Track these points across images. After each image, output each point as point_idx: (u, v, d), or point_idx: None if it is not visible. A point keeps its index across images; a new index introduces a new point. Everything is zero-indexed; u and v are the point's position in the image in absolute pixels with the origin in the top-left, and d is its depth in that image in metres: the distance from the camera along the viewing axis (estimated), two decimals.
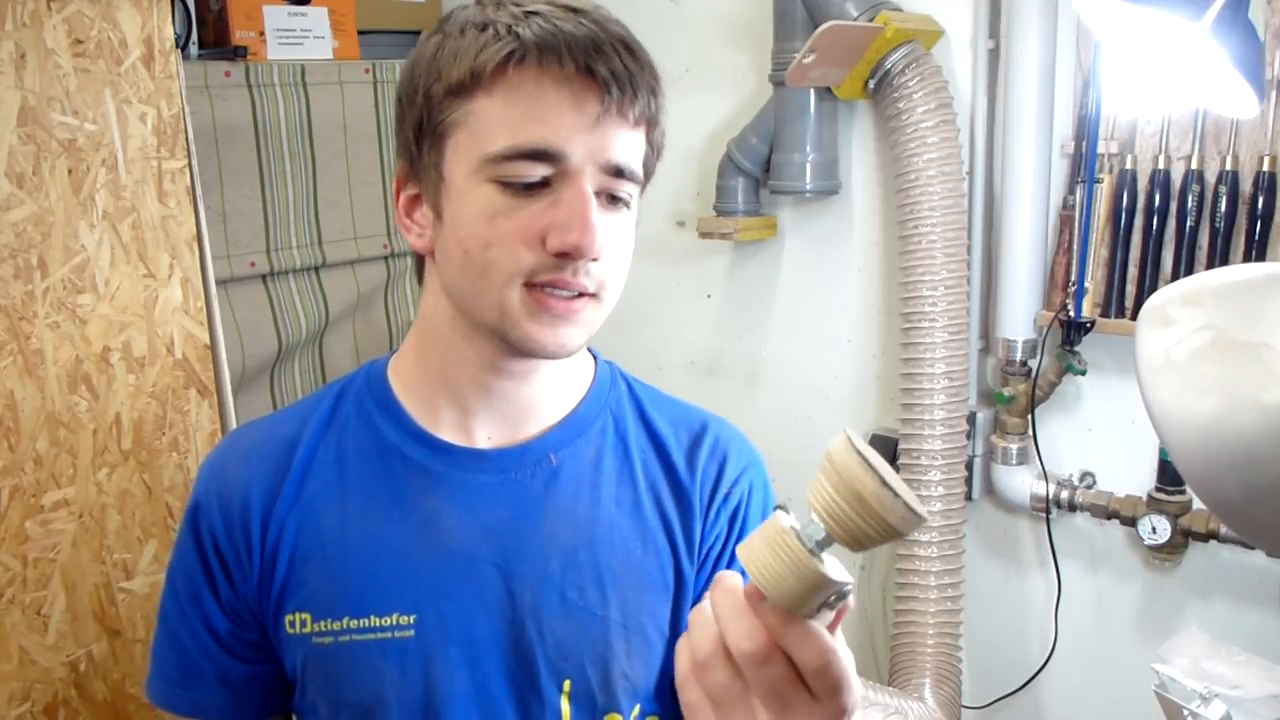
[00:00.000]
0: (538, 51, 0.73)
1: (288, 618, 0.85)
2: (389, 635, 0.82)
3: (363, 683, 0.83)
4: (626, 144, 0.79)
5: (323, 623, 0.83)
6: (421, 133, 0.78)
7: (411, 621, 0.83)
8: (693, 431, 0.97)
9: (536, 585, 0.85)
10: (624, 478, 0.91)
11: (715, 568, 0.93)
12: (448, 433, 0.86)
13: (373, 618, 0.83)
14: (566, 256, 0.75)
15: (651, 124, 0.83)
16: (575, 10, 0.77)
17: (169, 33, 1.64)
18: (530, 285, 0.77)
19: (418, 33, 2.84)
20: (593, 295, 0.80)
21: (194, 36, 2.06)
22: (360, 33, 2.41)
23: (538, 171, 0.74)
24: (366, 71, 2.25)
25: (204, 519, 0.86)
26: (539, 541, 0.85)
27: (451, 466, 0.85)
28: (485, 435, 0.87)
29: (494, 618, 0.84)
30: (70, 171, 1.53)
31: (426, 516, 0.84)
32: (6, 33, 1.44)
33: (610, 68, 0.75)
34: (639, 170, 0.81)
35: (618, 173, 0.79)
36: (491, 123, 0.74)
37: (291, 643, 0.85)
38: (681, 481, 0.93)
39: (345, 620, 0.83)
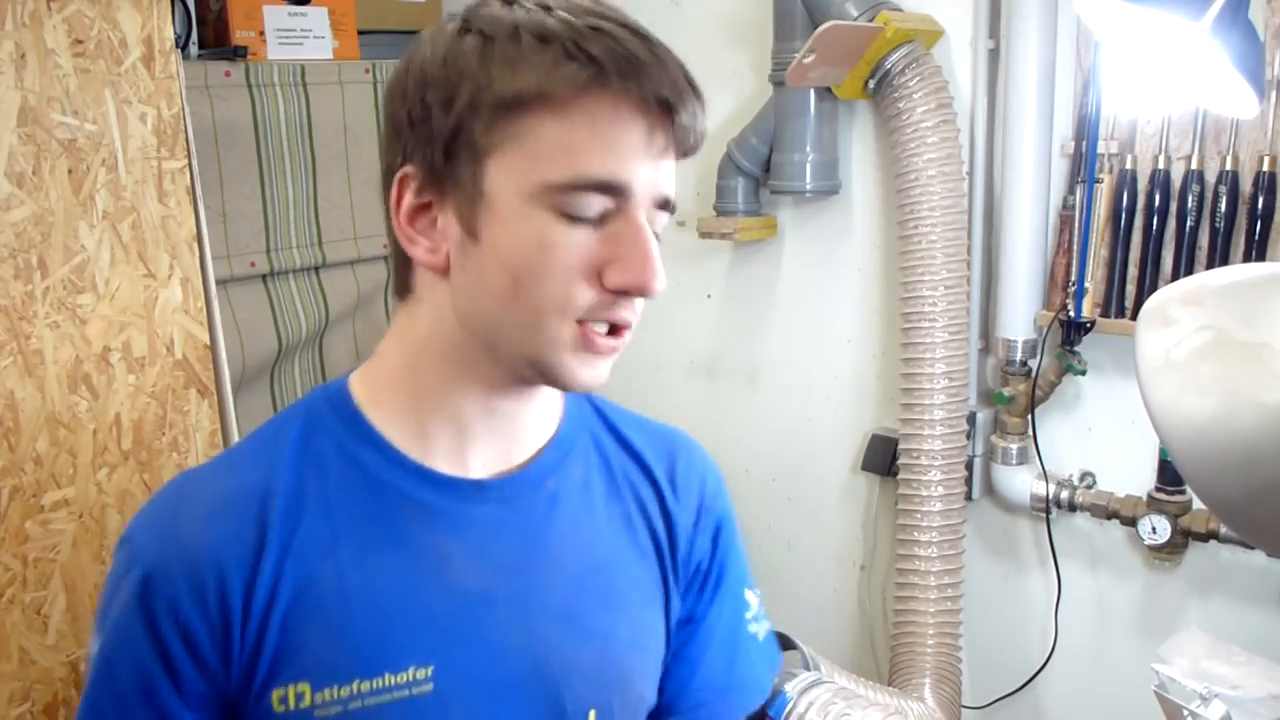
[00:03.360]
0: (619, 79, 0.68)
1: (276, 694, 0.73)
2: (406, 694, 0.74)
3: None
4: (672, 175, 0.76)
5: (327, 691, 0.73)
6: (456, 143, 0.70)
7: (429, 674, 0.75)
8: (669, 448, 0.94)
9: (553, 618, 0.80)
10: (612, 496, 0.88)
11: (704, 585, 0.93)
12: (442, 462, 0.79)
13: (386, 676, 0.74)
14: (625, 294, 0.73)
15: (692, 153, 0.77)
16: (637, 31, 0.72)
17: (169, 33, 1.64)
18: (581, 321, 0.73)
19: (418, 33, 2.84)
20: (628, 327, 0.77)
21: (194, 36, 2.06)
22: (360, 33, 2.41)
23: (601, 204, 0.70)
24: (366, 71, 2.25)
25: (160, 594, 0.72)
26: (549, 571, 0.81)
27: (454, 500, 0.78)
28: (480, 462, 0.80)
29: (515, 658, 0.78)
30: (70, 171, 1.53)
31: (432, 557, 0.77)
32: (6, 33, 1.44)
33: (682, 102, 0.71)
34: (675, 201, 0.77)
35: (664, 204, 0.76)
36: (557, 146, 0.68)
37: None
38: (666, 499, 0.91)
39: (355, 684, 0.73)
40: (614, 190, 0.70)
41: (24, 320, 1.50)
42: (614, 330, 0.75)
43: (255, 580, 0.72)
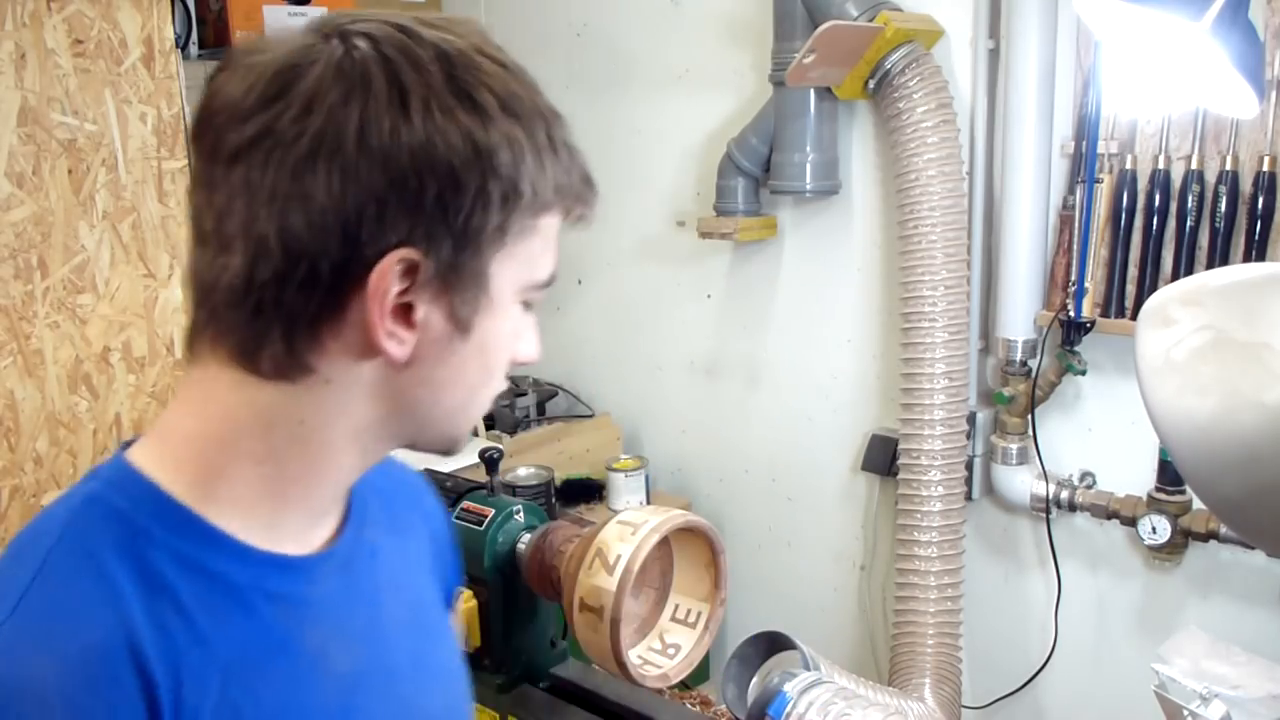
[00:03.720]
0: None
1: None
2: None
3: None
4: None
5: None
6: (499, 240, 0.63)
7: None
8: (398, 473, 0.89)
9: (407, 674, 0.77)
10: (392, 532, 0.82)
11: (449, 603, 0.91)
12: (290, 544, 0.69)
13: None
14: (520, 364, 0.74)
15: None
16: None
17: (169, 33, 1.64)
18: None
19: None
20: None
21: (194, 36, 2.06)
22: None
23: None
24: None
25: None
26: (393, 625, 0.77)
27: (310, 583, 0.70)
28: (320, 534, 0.72)
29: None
30: (70, 171, 1.53)
31: (312, 652, 0.69)
32: (6, 33, 1.44)
33: None
34: None
35: None
36: (542, 246, 0.67)
37: None
38: (417, 525, 0.88)
39: None
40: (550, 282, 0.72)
41: (24, 320, 1.50)
42: None
43: None
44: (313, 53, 0.60)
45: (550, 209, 0.66)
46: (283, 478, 0.67)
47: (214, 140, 0.61)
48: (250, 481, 0.66)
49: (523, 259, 0.66)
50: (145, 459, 0.65)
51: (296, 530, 0.69)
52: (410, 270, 0.61)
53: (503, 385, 0.72)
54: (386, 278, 0.60)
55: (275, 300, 0.61)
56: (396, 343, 0.62)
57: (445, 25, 0.64)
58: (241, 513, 0.66)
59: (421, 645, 0.79)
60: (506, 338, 0.69)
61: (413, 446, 0.71)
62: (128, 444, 0.67)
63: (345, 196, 0.59)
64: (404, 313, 0.62)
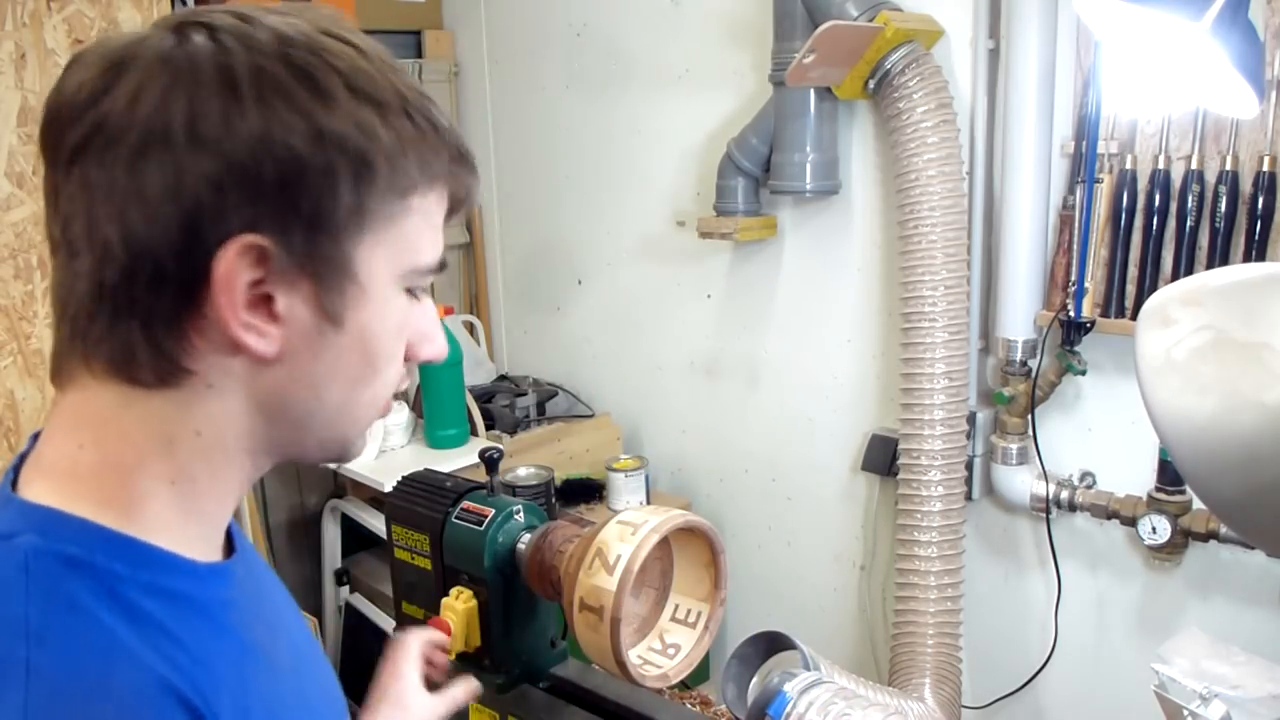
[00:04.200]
0: (471, 169, 0.69)
1: None
2: None
3: None
4: None
5: None
6: (355, 223, 0.62)
7: None
8: None
9: (314, 655, 0.80)
10: None
11: None
12: (215, 554, 0.70)
13: None
14: (426, 363, 0.73)
15: None
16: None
17: None
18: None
19: (418, 33, 2.84)
20: None
21: None
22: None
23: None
24: None
25: None
26: (290, 611, 0.79)
27: (240, 586, 0.71)
28: (222, 539, 0.72)
29: (322, 709, 0.78)
30: None
31: (266, 652, 0.70)
32: (6, 33, 1.44)
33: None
34: None
35: None
36: (423, 229, 0.66)
37: None
38: None
39: None
40: (440, 269, 0.70)
41: (24, 320, 1.50)
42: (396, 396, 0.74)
43: None
44: (143, 45, 0.58)
45: (417, 189, 0.64)
46: (196, 493, 0.65)
47: (55, 142, 0.59)
48: (169, 501, 0.64)
49: (396, 244, 0.65)
50: (57, 498, 0.61)
51: (214, 538, 0.69)
52: (262, 259, 0.59)
53: (397, 383, 0.70)
54: (233, 266, 0.58)
55: (129, 302, 0.59)
56: (256, 335, 0.61)
57: (293, 10, 0.63)
58: (172, 532, 0.64)
59: (305, 627, 0.81)
60: (390, 329, 0.67)
61: (302, 457, 0.70)
62: (10, 497, 0.63)
63: (180, 188, 0.57)
64: (264, 304, 0.61)
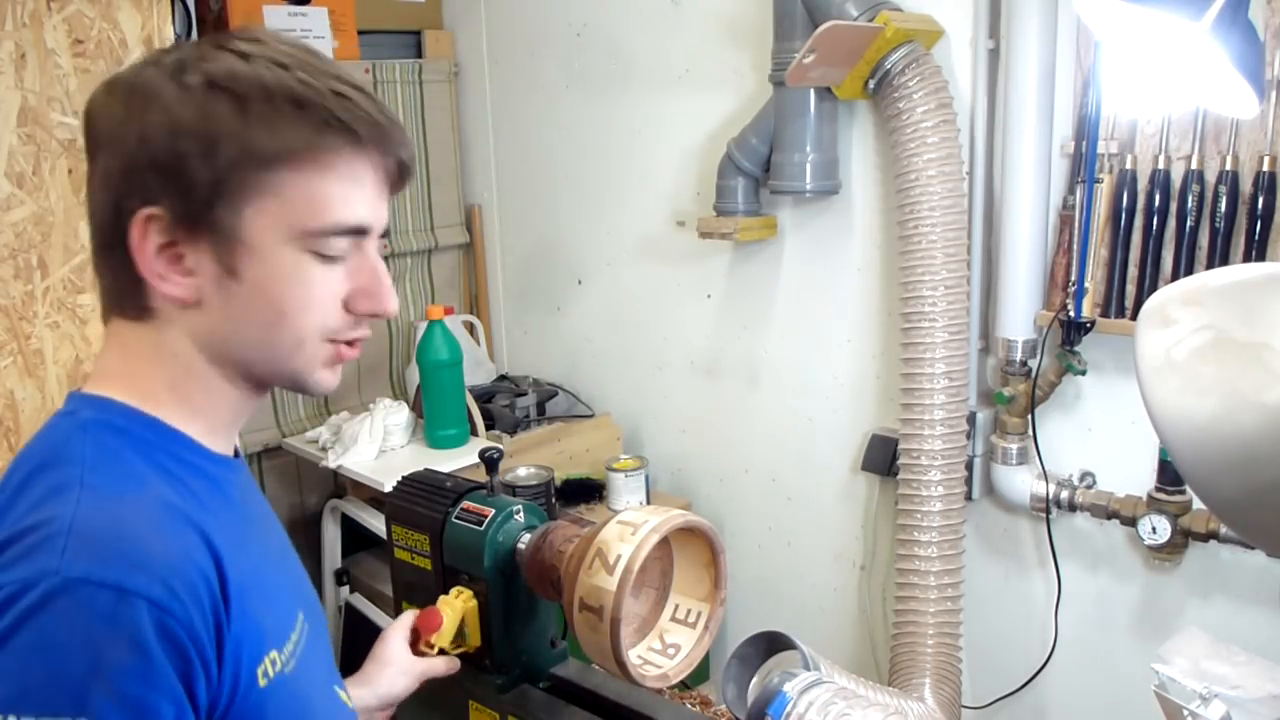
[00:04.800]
0: (370, 143, 0.81)
1: (259, 670, 0.79)
2: (302, 631, 0.87)
3: (316, 689, 0.89)
4: (387, 209, 0.89)
5: (285, 648, 0.83)
6: (214, 192, 0.77)
7: (303, 616, 0.89)
8: None
9: (288, 551, 0.96)
10: None
11: None
12: (224, 447, 0.89)
13: (298, 622, 0.87)
14: (373, 316, 0.86)
15: None
16: (369, 93, 0.83)
17: (169, 32, 1.64)
18: (333, 340, 0.85)
19: (418, 33, 2.84)
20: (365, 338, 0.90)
21: (194, 36, 2.06)
22: (360, 33, 2.41)
23: (346, 244, 0.82)
24: (366, 71, 2.25)
25: (178, 620, 0.71)
26: (273, 518, 0.97)
27: (244, 480, 0.91)
28: (232, 442, 0.92)
29: (303, 589, 0.95)
30: (70, 171, 1.53)
31: (258, 527, 0.90)
32: (6, 33, 1.44)
33: (411, 156, 0.87)
34: None
35: (385, 234, 0.89)
36: (311, 197, 0.79)
37: (265, 695, 0.79)
38: None
39: (292, 635, 0.85)
40: (358, 232, 0.83)
41: (24, 320, 1.50)
42: (352, 342, 0.87)
43: (226, 582, 0.77)
44: (118, 76, 0.81)
45: (285, 163, 0.78)
46: (191, 398, 0.84)
47: (85, 141, 0.82)
48: (175, 402, 0.84)
49: (281, 210, 0.79)
50: (105, 391, 0.83)
51: (222, 444, 0.87)
52: (163, 226, 0.78)
53: (323, 329, 0.83)
54: (141, 230, 0.78)
55: (103, 261, 0.82)
56: (171, 284, 0.80)
57: (246, 34, 0.82)
58: (186, 426, 0.84)
59: (283, 533, 0.97)
60: (286, 282, 0.80)
61: (267, 381, 0.87)
62: (73, 394, 0.85)
63: (108, 178, 0.79)
64: (179, 260, 0.79)
